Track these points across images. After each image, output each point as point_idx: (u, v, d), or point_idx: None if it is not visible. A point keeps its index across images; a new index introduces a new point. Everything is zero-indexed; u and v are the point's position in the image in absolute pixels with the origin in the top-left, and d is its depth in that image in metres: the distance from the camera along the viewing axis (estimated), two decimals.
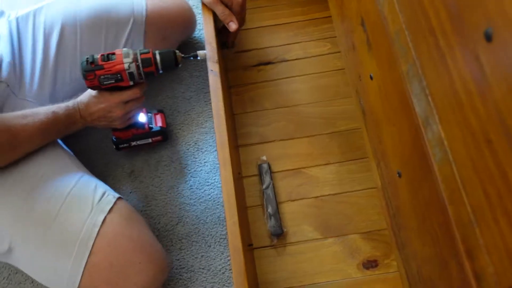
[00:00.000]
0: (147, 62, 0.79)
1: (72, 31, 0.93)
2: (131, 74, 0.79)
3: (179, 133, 1.08)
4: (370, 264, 0.80)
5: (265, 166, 0.87)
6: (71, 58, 0.94)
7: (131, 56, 0.78)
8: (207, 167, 1.04)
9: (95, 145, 1.07)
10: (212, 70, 0.77)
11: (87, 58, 0.78)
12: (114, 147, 0.99)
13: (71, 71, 0.94)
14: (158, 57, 0.79)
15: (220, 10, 0.83)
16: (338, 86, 0.95)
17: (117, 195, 0.80)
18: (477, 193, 0.32)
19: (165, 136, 1.03)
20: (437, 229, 0.42)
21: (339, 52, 0.99)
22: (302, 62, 0.99)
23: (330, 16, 1.03)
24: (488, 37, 0.27)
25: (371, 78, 0.56)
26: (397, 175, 0.51)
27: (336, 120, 0.92)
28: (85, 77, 0.79)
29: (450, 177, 0.36)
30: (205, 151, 1.06)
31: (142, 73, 0.80)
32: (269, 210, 0.83)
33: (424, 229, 0.45)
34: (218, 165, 1.03)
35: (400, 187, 0.51)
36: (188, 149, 1.07)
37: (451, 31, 0.32)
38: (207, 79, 1.12)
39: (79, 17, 0.93)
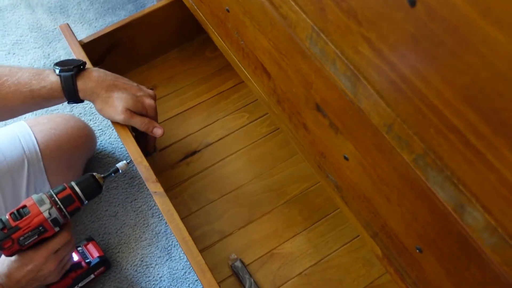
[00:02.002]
0: (69, 200, 0.68)
1: None
2: (54, 220, 0.67)
3: (120, 256, 0.96)
4: None
5: (238, 264, 0.80)
6: None
7: (48, 201, 0.67)
8: (165, 282, 0.94)
9: None
10: (155, 192, 0.68)
11: None
12: None
13: None
14: (77, 189, 0.68)
15: (139, 121, 0.75)
16: (273, 152, 0.93)
17: None
18: None
19: (107, 264, 0.92)
20: None
21: (259, 118, 0.97)
22: (227, 140, 0.95)
23: (236, 85, 1.00)
24: None
25: (346, 159, 0.54)
26: (417, 250, 0.49)
27: (286, 187, 0.89)
28: (1, 247, 0.65)
29: None
30: (156, 264, 0.95)
31: (66, 213, 0.68)
32: None
33: None
34: (176, 275, 0.93)
35: (424, 261, 0.50)
36: (136, 270, 0.95)
37: (492, 134, 0.31)
38: (127, 188, 1.03)
39: None
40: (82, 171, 0.97)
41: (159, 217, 0.99)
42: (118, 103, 0.73)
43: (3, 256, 0.69)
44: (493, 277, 0.39)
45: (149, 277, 0.94)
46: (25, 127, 0.88)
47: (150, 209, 1.00)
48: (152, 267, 0.95)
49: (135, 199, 1.02)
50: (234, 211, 0.87)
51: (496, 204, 0.34)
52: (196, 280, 0.93)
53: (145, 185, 1.01)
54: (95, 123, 1.10)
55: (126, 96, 0.74)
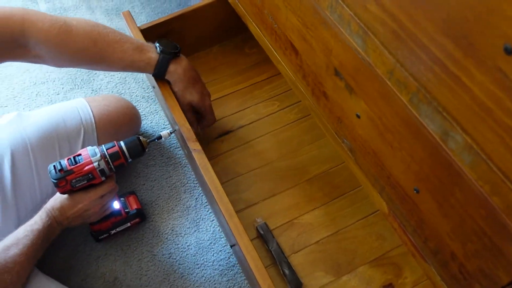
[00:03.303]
0: (116, 156, 0.79)
1: (23, 156, 0.90)
2: (102, 170, 0.79)
3: (153, 225, 1.06)
4: None
5: (263, 226, 0.89)
6: (28, 184, 0.90)
7: (98, 154, 0.78)
8: (192, 250, 1.03)
9: (66, 263, 1.01)
10: (195, 149, 0.79)
11: (54, 166, 0.77)
12: (94, 239, 0.98)
13: (32, 197, 0.90)
14: (124, 148, 0.80)
15: (190, 118, 0.90)
16: (299, 136, 1.02)
17: None
18: None
19: (143, 216, 1.03)
20: (481, 223, 0.47)
21: (289, 106, 1.07)
22: (258, 124, 1.05)
23: (270, 77, 1.11)
24: (509, 51, 0.35)
25: (358, 117, 0.63)
26: (415, 191, 0.57)
27: (309, 167, 0.98)
28: (56, 185, 0.77)
29: (488, 173, 0.42)
30: (185, 234, 1.05)
31: (112, 167, 0.80)
32: (284, 267, 0.84)
33: (464, 229, 0.50)
34: (202, 245, 1.02)
35: (420, 201, 0.57)
36: (166, 238, 1.05)
37: (463, 57, 0.39)
38: (164, 166, 1.14)
39: (28, 139, 0.91)
40: None
41: (190, 193, 1.10)
42: (188, 95, 0.89)
43: (57, 193, 0.82)
44: (472, 197, 0.47)
45: (178, 244, 1.04)
46: (84, 102, 1.01)
47: (183, 185, 1.11)
48: (181, 236, 1.05)
49: (170, 176, 1.13)
50: (260, 185, 0.97)
51: (471, 122, 0.42)
52: (220, 251, 1.02)
53: (180, 164, 1.13)
54: (139, 109, 1.23)
55: (196, 94, 0.89)
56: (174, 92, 0.88)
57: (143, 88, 1.28)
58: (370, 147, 0.64)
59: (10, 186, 0.87)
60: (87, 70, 1.30)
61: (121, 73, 1.30)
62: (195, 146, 0.79)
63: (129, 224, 0.98)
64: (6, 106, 1.24)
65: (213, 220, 1.05)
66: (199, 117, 0.95)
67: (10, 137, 0.91)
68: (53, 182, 0.77)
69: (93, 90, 1.27)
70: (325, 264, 0.87)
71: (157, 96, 1.14)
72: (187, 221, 1.07)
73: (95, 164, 0.78)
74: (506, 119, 0.38)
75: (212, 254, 1.02)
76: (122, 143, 0.81)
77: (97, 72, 1.31)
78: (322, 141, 1.02)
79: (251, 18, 0.88)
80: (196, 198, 1.08)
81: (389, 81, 0.52)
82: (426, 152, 0.51)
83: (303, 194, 0.95)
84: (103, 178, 0.80)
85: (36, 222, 0.79)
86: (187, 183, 1.11)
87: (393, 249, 0.88)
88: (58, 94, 1.26)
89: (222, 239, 1.03)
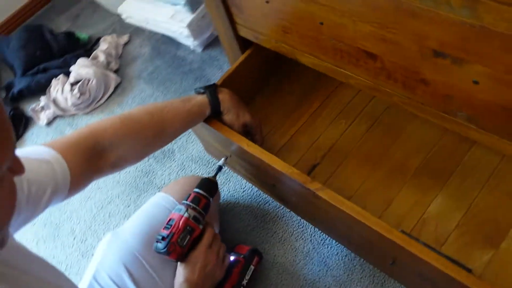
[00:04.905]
0: (197, 199, 0.88)
1: (138, 266, 0.91)
2: (195, 218, 0.85)
3: (284, 284, 1.04)
4: None
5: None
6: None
7: (183, 207, 0.85)
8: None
9: None
10: (317, 188, 0.79)
11: (157, 240, 0.83)
12: None
13: None
14: (200, 191, 0.89)
15: (241, 132, 0.97)
16: (380, 141, 1.03)
17: None
18: None
19: (259, 253, 1.04)
20: None
21: (355, 119, 1.09)
22: (337, 148, 1.06)
23: (322, 102, 1.14)
24: None
25: (476, 82, 0.65)
26: None
27: (406, 165, 0.99)
28: (167, 253, 0.82)
29: None
30: (319, 279, 1.03)
31: (200, 210, 0.86)
32: None
33: None
34: (341, 280, 1.00)
35: None
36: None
37: None
38: (263, 225, 1.12)
39: (135, 249, 0.92)
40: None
41: (302, 238, 1.09)
42: (242, 117, 0.95)
43: (176, 273, 0.85)
44: None
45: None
46: (162, 194, 1.03)
47: (291, 235, 1.10)
48: (317, 282, 1.02)
49: (275, 232, 1.12)
50: (373, 198, 0.97)
51: None
52: (361, 278, 1.00)
53: (277, 216, 1.12)
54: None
55: (248, 114, 0.96)
56: (227, 121, 0.94)
57: (204, 165, 1.28)
58: (499, 105, 0.66)
59: None
60: (145, 173, 1.31)
61: (177, 161, 1.31)
62: (315, 186, 0.80)
63: (252, 267, 0.99)
64: (86, 240, 1.23)
65: (337, 254, 1.04)
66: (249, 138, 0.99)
67: (119, 255, 0.91)
68: (164, 252, 0.82)
69: (158, 188, 1.27)
70: (477, 242, 0.86)
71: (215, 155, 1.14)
72: (314, 265, 1.05)
73: (186, 215, 0.84)
74: None
75: (355, 283, 1.00)
76: (195, 189, 0.89)
77: (155, 169, 1.31)
78: (403, 137, 1.03)
79: (302, 50, 0.91)
80: (311, 240, 1.07)
81: None
82: None
83: (416, 189, 0.95)
84: (201, 226, 0.86)
85: None
86: (294, 230, 1.10)
87: None
88: (128, 206, 1.26)
89: (357, 266, 1.01)
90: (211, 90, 0.93)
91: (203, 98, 0.92)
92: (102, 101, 1.57)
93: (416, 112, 0.81)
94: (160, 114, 0.86)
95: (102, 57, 1.66)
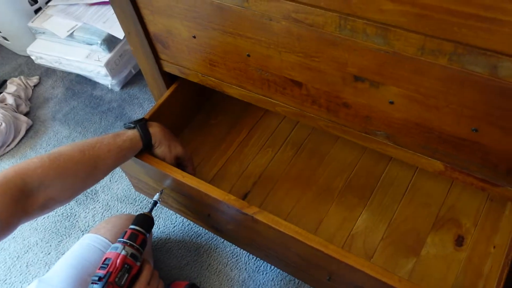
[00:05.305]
0: (134, 236, 0.87)
1: None
2: (133, 255, 0.84)
3: None
4: None
5: None
6: None
7: (120, 245, 0.84)
8: None
9: None
10: (255, 212, 0.81)
11: (93, 281, 0.79)
12: None
13: None
14: (136, 227, 0.88)
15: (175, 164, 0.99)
16: (306, 165, 1.09)
17: None
18: None
19: (196, 286, 1.03)
20: None
21: (281, 147, 1.14)
22: (266, 174, 1.10)
23: (249, 132, 1.18)
24: None
25: (392, 103, 0.73)
26: (473, 131, 0.68)
27: (331, 185, 1.05)
28: None
29: None
30: None
31: (138, 247, 0.85)
32: None
33: None
34: None
35: (481, 137, 0.67)
36: None
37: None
38: (197, 260, 1.11)
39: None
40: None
41: (237, 267, 1.09)
42: (173, 149, 0.97)
43: None
44: None
45: None
46: (91, 235, 0.99)
47: (226, 265, 1.10)
48: None
49: (210, 264, 1.11)
50: (304, 220, 1.01)
51: None
52: None
53: (212, 248, 1.12)
54: None
55: (179, 145, 0.99)
56: (159, 154, 0.95)
57: (131, 203, 1.25)
58: (412, 122, 0.74)
59: None
60: (66, 216, 1.23)
61: (101, 201, 1.26)
62: (253, 210, 0.82)
63: None
64: None
65: (273, 279, 1.05)
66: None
67: None
68: None
69: (82, 231, 1.20)
70: (400, 252, 0.93)
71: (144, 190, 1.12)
72: None
73: (123, 252, 0.82)
74: None
75: None
76: (131, 225, 0.88)
77: (77, 212, 1.24)
78: (327, 159, 1.10)
79: (230, 82, 0.95)
80: (246, 269, 1.08)
81: (422, 56, 0.63)
82: (477, 93, 0.63)
83: (343, 207, 1.02)
84: (138, 264, 0.84)
85: None
86: (229, 260, 1.10)
87: (441, 209, 0.98)
88: (49, 253, 1.17)
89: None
90: (141, 124, 0.94)
91: (134, 133, 0.92)
92: (12, 145, 1.46)
93: (340, 134, 0.88)
94: (92, 150, 0.84)
95: (10, 100, 1.57)
